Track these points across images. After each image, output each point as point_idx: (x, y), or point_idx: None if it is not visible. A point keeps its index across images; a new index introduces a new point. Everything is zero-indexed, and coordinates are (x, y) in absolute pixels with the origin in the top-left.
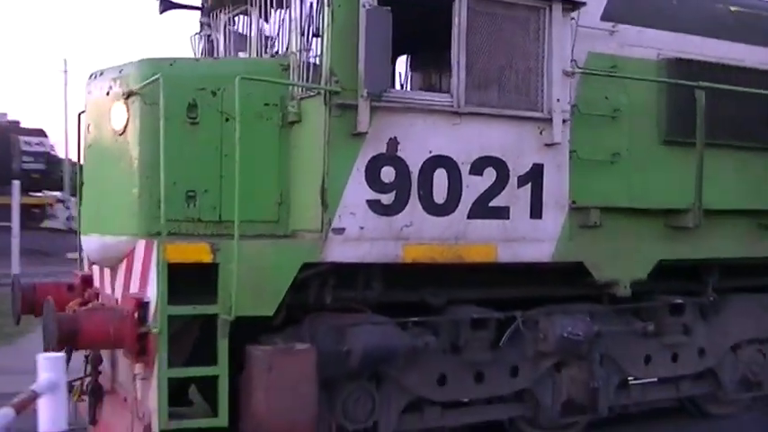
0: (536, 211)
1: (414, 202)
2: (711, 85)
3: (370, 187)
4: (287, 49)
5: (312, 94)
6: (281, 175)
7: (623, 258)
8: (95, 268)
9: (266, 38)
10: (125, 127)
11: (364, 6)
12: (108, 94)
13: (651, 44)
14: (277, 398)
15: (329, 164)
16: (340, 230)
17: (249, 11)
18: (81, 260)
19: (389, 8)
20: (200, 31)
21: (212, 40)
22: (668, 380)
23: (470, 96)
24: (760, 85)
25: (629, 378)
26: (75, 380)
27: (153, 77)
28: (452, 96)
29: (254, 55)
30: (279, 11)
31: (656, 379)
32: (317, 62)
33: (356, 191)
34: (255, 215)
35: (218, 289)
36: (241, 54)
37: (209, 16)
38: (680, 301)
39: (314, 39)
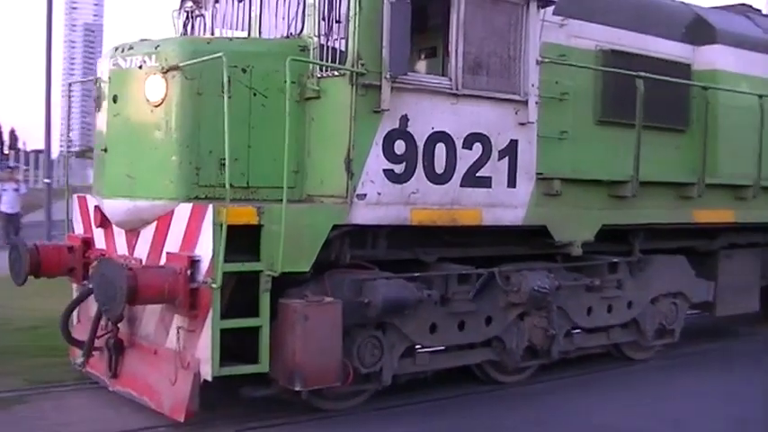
0: (512, 180)
1: (419, 172)
2: (649, 75)
3: (386, 158)
4: (301, 30)
5: (335, 74)
6: (297, 146)
7: (576, 223)
8: (99, 231)
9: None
10: (163, 99)
11: (388, 3)
12: (140, 67)
13: (591, 36)
14: (312, 344)
15: (354, 137)
16: (362, 196)
17: None
18: (70, 223)
19: (409, 1)
20: (183, 7)
21: (196, 16)
22: (602, 328)
23: (466, 80)
24: (669, 73)
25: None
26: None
27: (214, 55)
28: (451, 80)
29: (254, 34)
30: None
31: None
32: (339, 46)
33: (375, 161)
34: (277, 182)
35: (260, 248)
36: (234, 32)
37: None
38: (616, 260)
39: (335, 24)
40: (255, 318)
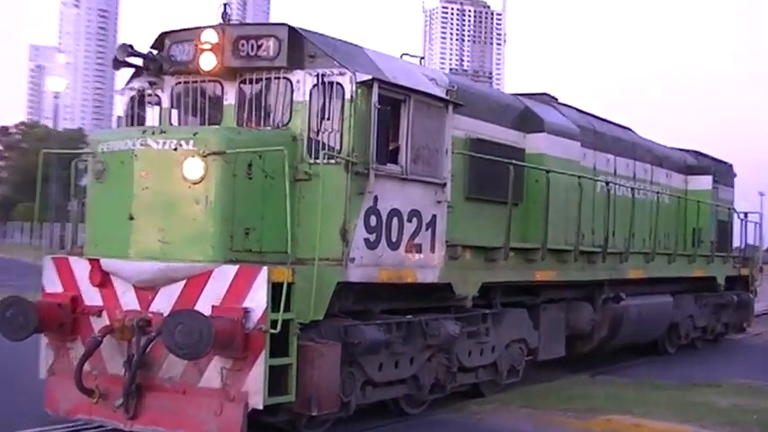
0: (432, 247)
1: (383, 241)
2: (519, 163)
3: (365, 229)
4: (288, 123)
5: (326, 162)
6: (291, 218)
7: (468, 281)
8: (92, 289)
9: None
10: (202, 178)
11: (375, 107)
12: (176, 149)
13: (463, 127)
14: (324, 377)
15: (348, 213)
16: (353, 259)
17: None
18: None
19: (389, 107)
20: (129, 86)
21: (147, 96)
22: (473, 368)
23: (411, 167)
24: (511, 156)
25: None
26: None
27: (275, 147)
28: (402, 167)
29: (229, 122)
30: (252, 86)
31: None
32: (325, 139)
33: (360, 232)
34: (280, 247)
35: (291, 301)
36: (191, 118)
37: (156, 76)
38: (487, 311)
39: (325, 121)
40: (287, 357)
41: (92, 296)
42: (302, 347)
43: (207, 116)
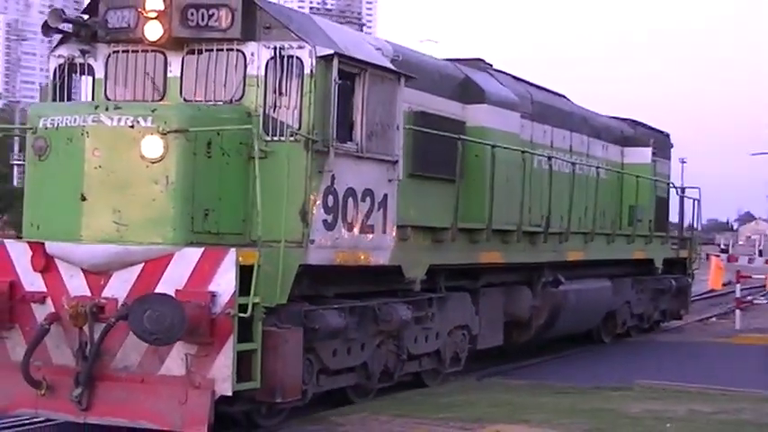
0: (384, 228)
1: (340, 222)
2: (468, 138)
3: (323, 210)
4: (240, 98)
5: (283, 139)
6: (246, 198)
7: (416, 263)
8: (34, 275)
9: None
10: (162, 156)
11: (335, 82)
12: (132, 126)
13: (408, 100)
14: (288, 364)
15: (308, 193)
16: (312, 241)
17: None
18: None
19: (348, 82)
20: (56, 52)
21: (77, 65)
22: (417, 356)
23: (366, 145)
24: (451, 129)
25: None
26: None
27: (243, 126)
28: (357, 144)
29: (173, 95)
30: (200, 57)
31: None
32: (281, 116)
33: (319, 213)
34: (232, 229)
35: (255, 285)
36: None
37: (88, 44)
38: (433, 296)
39: (281, 97)
40: (252, 342)
41: (32, 282)
42: (266, 333)
43: (146, 88)
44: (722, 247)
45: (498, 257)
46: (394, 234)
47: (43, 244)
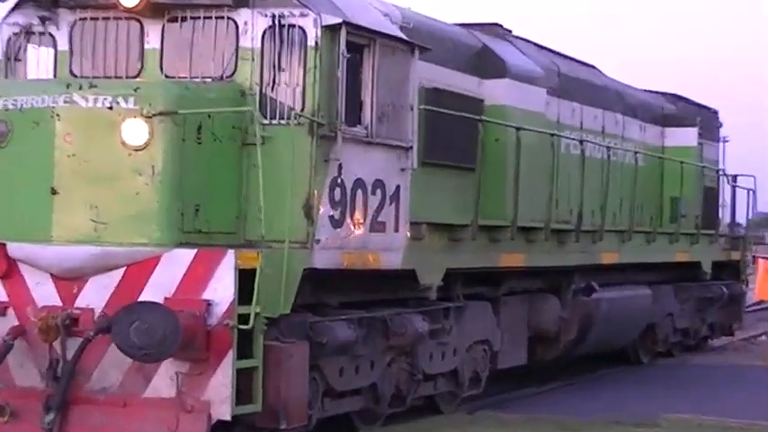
0: (396, 225)
1: (348, 218)
2: (491, 120)
3: (330, 205)
4: (232, 74)
5: (284, 122)
6: (239, 192)
7: (432, 267)
8: None
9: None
10: (146, 143)
11: (343, 55)
12: (111, 108)
13: (420, 74)
14: (294, 383)
15: (313, 185)
16: (317, 241)
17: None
18: None
19: (357, 56)
20: (9, 20)
21: (34, 34)
22: (433, 376)
23: (376, 129)
24: (468, 109)
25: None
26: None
27: (244, 108)
28: (366, 128)
29: (151, 70)
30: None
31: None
32: (281, 95)
33: (325, 208)
34: (224, 227)
35: (257, 292)
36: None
37: (48, 11)
38: (449, 305)
39: (280, 73)
40: (252, 359)
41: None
42: (267, 348)
43: (119, 62)
44: None
45: (522, 260)
46: (407, 232)
47: (4, 245)
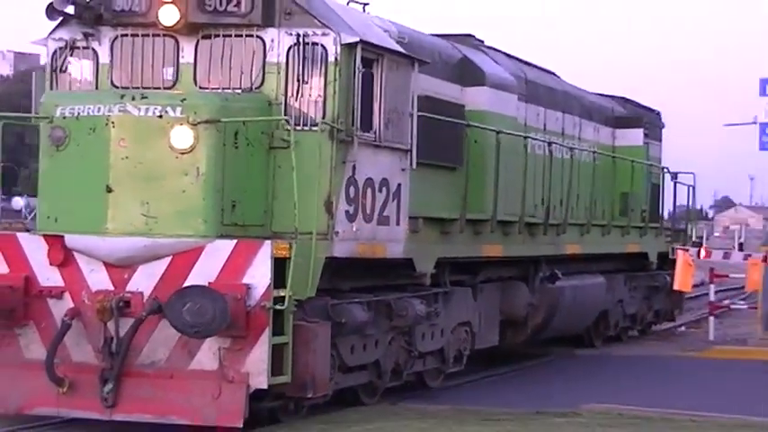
0: (398, 219)
1: (360, 213)
2: (477, 125)
3: (346, 201)
4: (260, 86)
5: (306, 128)
6: (267, 190)
7: (427, 256)
8: (50, 269)
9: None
10: (192, 147)
11: (359, 70)
12: (161, 117)
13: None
14: (319, 358)
15: (333, 184)
16: (336, 233)
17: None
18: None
19: (369, 69)
20: (55, 35)
21: (77, 48)
22: (422, 354)
23: (383, 133)
24: (451, 114)
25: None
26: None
27: (280, 117)
28: (375, 133)
29: (186, 82)
30: (212, 42)
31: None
32: (303, 105)
33: (342, 203)
34: (255, 220)
35: (291, 277)
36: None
37: (92, 27)
38: (438, 290)
39: (303, 85)
40: (283, 336)
41: (49, 276)
42: (296, 327)
43: (156, 75)
44: (695, 239)
45: (500, 251)
46: (406, 226)
47: (62, 237)
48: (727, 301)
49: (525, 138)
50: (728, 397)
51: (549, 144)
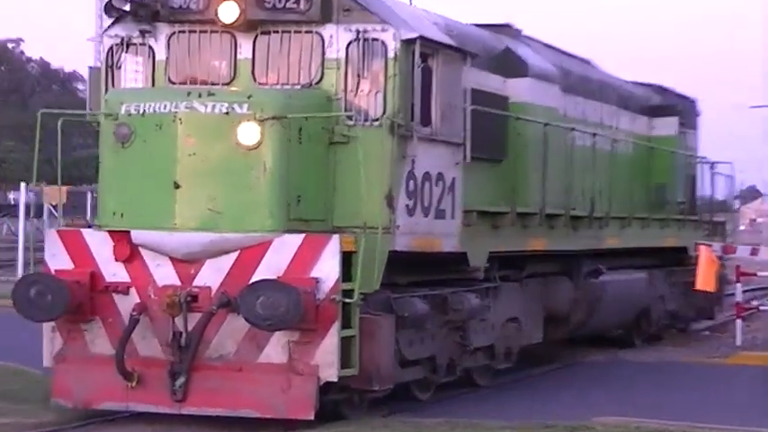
0: (453, 213)
1: (418, 206)
2: (529, 118)
3: (405, 195)
4: (319, 81)
5: (366, 123)
6: (328, 184)
7: (480, 250)
8: (115, 264)
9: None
10: (259, 143)
11: (418, 65)
12: (228, 113)
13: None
14: (385, 351)
15: (394, 178)
16: (398, 227)
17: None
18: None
19: (429, 66)
20: (110, 31)
21: (133, 45)
22: (476, 349)
23: (439, 128)
24: (498, 106)
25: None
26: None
27: (346, 112)
28: (432, 128)
29: (244, 79)
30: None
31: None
32: (368, 100)
33: (402, 197)
34: (317, 215)
35: (359, 271)
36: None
37: (148, 24)
38: (489, 285)
39: (362, 80)
40: (350, 329)
41: (114, 272)
42: (362, 319)
43: (213, 71)
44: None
45: (545, 244)
46: (461, 219)
47: (128, 233)
48: (755, 302)
49: (571, 129)
50: (759, 409)
51: (593, 135)
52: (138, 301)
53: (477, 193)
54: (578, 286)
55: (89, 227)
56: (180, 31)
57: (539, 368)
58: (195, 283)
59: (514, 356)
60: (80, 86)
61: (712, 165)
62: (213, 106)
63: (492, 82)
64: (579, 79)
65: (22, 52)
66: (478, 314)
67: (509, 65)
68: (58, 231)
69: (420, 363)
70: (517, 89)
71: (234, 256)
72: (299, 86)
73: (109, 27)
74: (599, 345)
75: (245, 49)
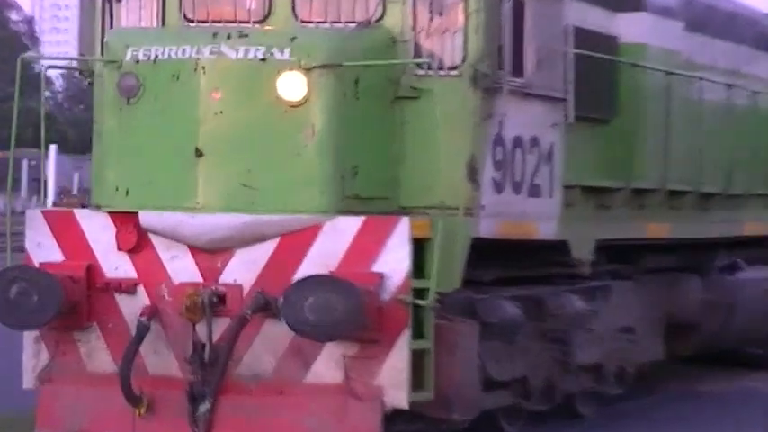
0: (551, 189)
1: (507, 181)
2: (647, 66)
3: (493, 167)
4: (380, 18)
5: (442, 73)
6: (392, 152)
7: (584, 238)
8: (118, 255)
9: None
10: (305, 99)
11: (508, 0)
12: (264, 60)
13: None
14: (466, 366)
15: (477, 144)
16: (482, 207)
17: None
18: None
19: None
20: None
21: None
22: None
23: (534, 78)
24: (604, 49)
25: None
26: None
27: (419, 60)
28: (525, 79)
29: (283, 17)
30: None
31: None
32: (444, 42)
33: (488, 169)
34: (378, 192)
35: (436, 264)
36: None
37: None
38: (595, 284)
39: (435, 16)
40: (423, 340)
41: (117, 265)
42: (438, 328)
43: (240, 6)
44: None
45: (669, 230)
46: (560, 198)
47: (135, 215)
48: None
49: (699, 80)
50: None
51: (729, 87)
52: (148, 302)
53: (580, 163)
54: (709, 286)
55: (84, 207)
56: None
57: (649, 396)
58: (222, 279)
59: (629, 378)
60: (13, 16)
61: None
62: (246, 51)
63: (597, 18)
64: (707, 13)
65: None
66: (584, 322)
67: None
68: (44, 212)
69: (509, 385)
70: (630, 27)
71: (273, 244)
72: (354, 25)
73: None
74: (711, 365)
75: None
